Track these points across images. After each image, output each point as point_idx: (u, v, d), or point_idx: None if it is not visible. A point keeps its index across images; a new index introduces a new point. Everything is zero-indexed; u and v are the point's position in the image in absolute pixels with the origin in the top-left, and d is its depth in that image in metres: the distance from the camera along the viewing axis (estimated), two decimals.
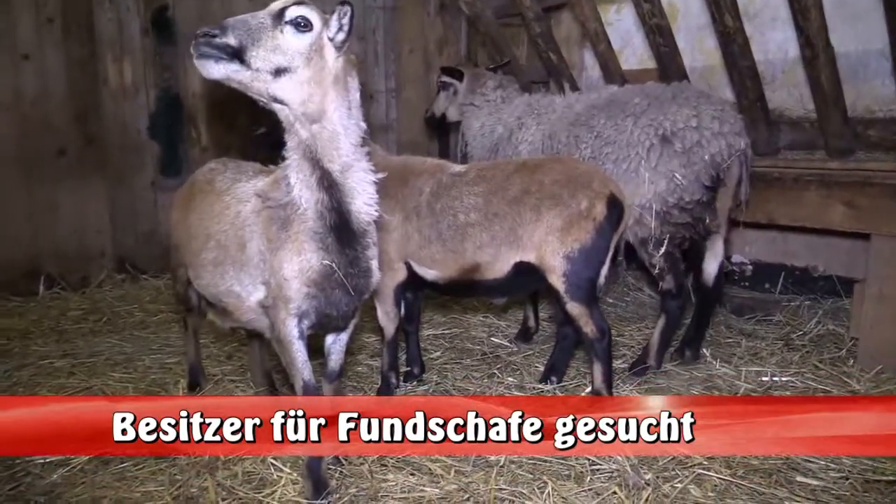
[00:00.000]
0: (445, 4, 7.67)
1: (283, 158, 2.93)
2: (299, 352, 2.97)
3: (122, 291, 6.45)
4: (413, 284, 4.10)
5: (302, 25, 2.64)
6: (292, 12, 2.64)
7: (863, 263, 4.69)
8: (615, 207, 3.69)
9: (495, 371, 4.45)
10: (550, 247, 3.65)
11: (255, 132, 4.69)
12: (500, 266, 3.80)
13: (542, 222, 3.67)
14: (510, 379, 4.34)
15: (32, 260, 6.31)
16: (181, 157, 6.93)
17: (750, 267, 5.96)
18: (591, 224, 3.63)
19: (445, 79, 5.77)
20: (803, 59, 4.40)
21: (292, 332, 2.94)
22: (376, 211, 2.91)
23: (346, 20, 2.72)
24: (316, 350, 3.20)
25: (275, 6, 2.68)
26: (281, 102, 2.70)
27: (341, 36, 2.73)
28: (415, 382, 4.34)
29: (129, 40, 6.57)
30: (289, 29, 2.63)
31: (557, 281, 3.67)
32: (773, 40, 5.45)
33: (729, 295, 5.54)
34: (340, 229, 2.82)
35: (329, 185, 2.79)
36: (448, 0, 7.63)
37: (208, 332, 4.87)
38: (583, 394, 4.02)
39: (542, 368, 4.42)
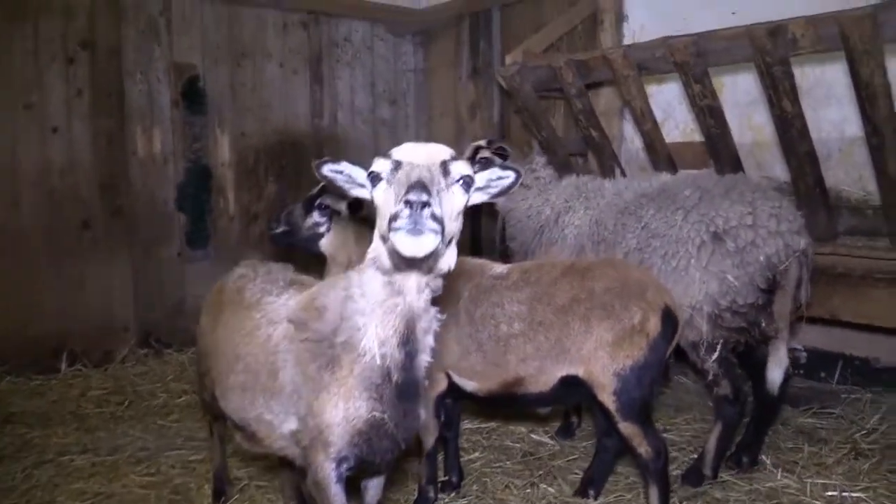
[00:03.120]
0: (478, 69, 7.50)
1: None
2: (337, 496, 2.71)
3: (145, 368, 6.28)
4: (453, 393, 3.83)
5: (467, 185, 2.33)
6: (460, 170, 2.29)
7: None
8: (669, 321, 3.42)
9: (536, 480, 4.16)
10: (600, 362, 3.39)
11: (272, 231, 4.45)
12: (544, 379, 3.53)
13: (592, 335, 3.40)
14: (551, 489, 4.03)
15: (57, 336, 6.14)
16: (209, 229, 6.78)
17: (804, 354, 5.62)
18: (643, 340, 3.36)
19: (487, 154, 5.21)
20: (869, 147, 4.11)
21: (330, 476, 2.68)
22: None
23: (498, 185, 2.43)
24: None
25: (433, 156, 2.29)
26: (430, 272, 2.38)
27: (480, 197, 2.43)
28: (453, 494, 4.05)
29: (160, 111, 6.49)
30: (457, 189, 2.30)
31: (608, 399, 3.40)
32: (828, 118, 5.17)
33: None
34: (405, 386, 2.54)
35: (411, 349, 2.49)
36: (481, 65, 7.47)
37: None
38: None
39: None
